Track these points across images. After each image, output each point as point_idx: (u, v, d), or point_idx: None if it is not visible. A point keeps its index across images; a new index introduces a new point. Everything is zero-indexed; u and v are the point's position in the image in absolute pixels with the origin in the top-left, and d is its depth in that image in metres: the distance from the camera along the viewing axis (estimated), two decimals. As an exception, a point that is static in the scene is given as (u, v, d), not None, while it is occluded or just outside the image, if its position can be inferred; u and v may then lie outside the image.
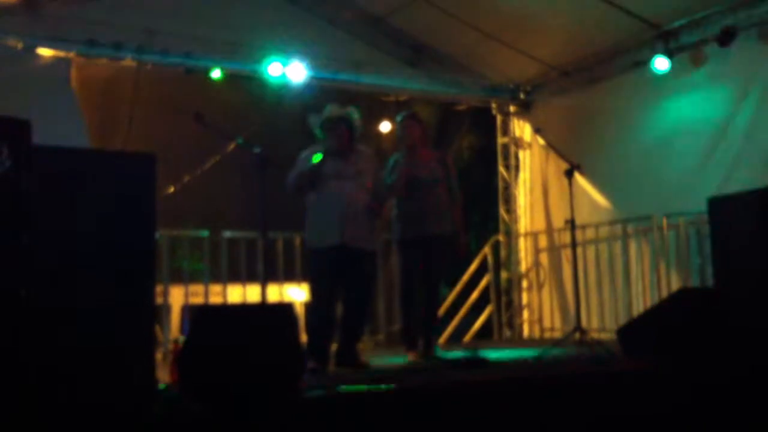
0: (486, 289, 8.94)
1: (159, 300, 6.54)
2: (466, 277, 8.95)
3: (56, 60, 6.49)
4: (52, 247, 2.93)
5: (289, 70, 7.16)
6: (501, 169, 9.07)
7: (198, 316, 3.87)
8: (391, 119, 8.89)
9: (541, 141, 8.16)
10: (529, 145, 8.91)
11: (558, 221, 8.16)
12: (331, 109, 5.35)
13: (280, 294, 7.34)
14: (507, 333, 8.88)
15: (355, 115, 5.34)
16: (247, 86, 7.45)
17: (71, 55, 6.53)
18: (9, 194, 2.77)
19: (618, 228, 7.59)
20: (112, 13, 6.47)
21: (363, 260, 5.24)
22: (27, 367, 2.75)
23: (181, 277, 7.21)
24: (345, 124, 5.29)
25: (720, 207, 5.11)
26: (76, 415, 2.85)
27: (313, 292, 5.26)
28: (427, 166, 5.70)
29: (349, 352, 5.21)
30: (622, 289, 7.47)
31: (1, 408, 2.66)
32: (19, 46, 6.28)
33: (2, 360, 2.69)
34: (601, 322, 7.55)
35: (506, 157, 9.08)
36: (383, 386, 3.55)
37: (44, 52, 6.43)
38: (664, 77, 6.97)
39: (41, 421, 2.76)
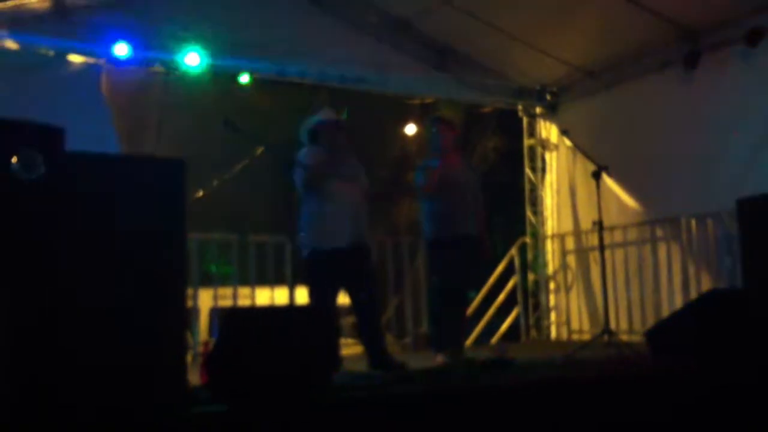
0: (513, 291, 8.93)
1: (189, 303, 6.60)
2: (493, 279, 8.94)
3: (87, 66, 6.58)
4: (84, 251, 2.97)
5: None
6: (527, 171, 9.05)
7: (228, 318, 3.91)
8: (416, 121, 8.92)
9: (568, 143, 8.13)
10: (556, 147, 8.88)
11: (585, 223, 8.14)
12: (327, 112, 5.41)
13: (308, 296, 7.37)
14: (534, 335, 8.86)
15: (347, 116, 5.42)
16: (274, 90, 7.50)
17: (101, 61, 6.62)
18: (43, 199, 2.82)
19: (646, 229, 7.55)
20: (140, 19, 6.55)
21: (369, 258, 5.35)
22: (58, 368, 2.80)
23: (209, 280, 7.26)
24: (343, 126, 5.37)
25: (749, 207, 5.07)
26: (107, 416, 2.89)
27: (315, 293, 5.20)
28: (459, 169, 5.77)
29: (384, 353, 5.22)
30: (650, 290, 7.42)
31: (31, 408, 2.70)
32: (51, 53, 6.38)
33: (33, 360, 2.74)
34: (630, 324, 7.51)
35: (533, 159, 9.05)
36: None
37: (75, 58, 6.52)
38: (692, 78, 6.94)
39: (71, 423, 2.80)
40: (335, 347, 4.73)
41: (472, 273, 5.96)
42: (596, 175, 5.87)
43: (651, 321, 6.86)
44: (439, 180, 5.61)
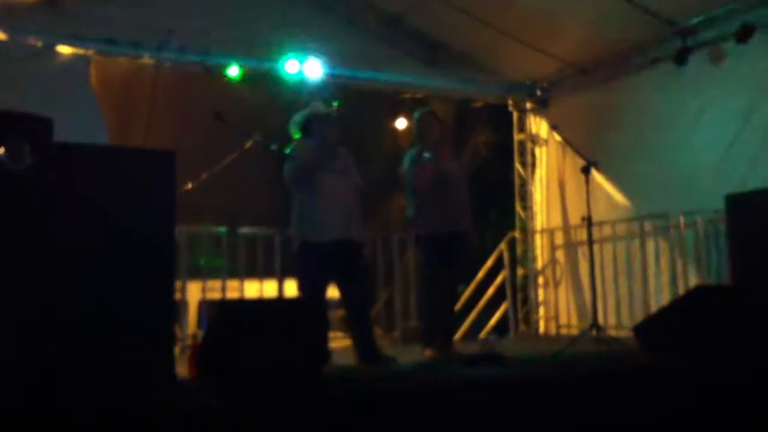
0: (502, 285, 8.94)
1: (177, 295, 6.59)
2: (482, 273, 8.96)
3: (76, 58, 6.54)
4: (72, 243, 2.96)
5: (306, 68, 7.19)
6: (517, 165, 9.06)
7: (217, 310, 3.91)
8: (408, 116, 8.91)
9: (558, 138, 8.14)
10: (546, 142, 8.90)
11: (575, 218, 8.15)
12: (318, 107, 5.41)
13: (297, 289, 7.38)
14: (523, 329, 8.88)
15: (338, 108, 5.43)
16: (265, 84, 7.49)
17: (90, 53, 6.59)
18: (31, 191, 2.81)
19: (635, 225, 7.58)
20: (131, 11, 6.53)
21: (360, 252, 5.34)
22: (49, 363, 2.79)
23: (198, 272, 7.25)
24: (335, 120, 5.37)
25: (738, 204, 5.10)
26: (96, 411, 2.88)
27: (306, 286, 5.21)
28: (450, 163, 5.75)
29: (373, 347, 5.23)
30: (639, 285, 7.45)
31: (21, 406, 2.69)
32: (39, 44, 6.34)
33: (25, 357, 2.73)
34: (618, 319, 7.54)
35: (522, 154, 9.06)
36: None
37: (64, 50, 6.47)
38: (683, 74, 6.95)
39: (61, 419, 2.80)
40: (324, 340, 4.74)
41: (462, 267, 5.97)
42: (586, 171, 5.88)
43: (639, 316, 6.88)
44: (433, 174, 5.59)
